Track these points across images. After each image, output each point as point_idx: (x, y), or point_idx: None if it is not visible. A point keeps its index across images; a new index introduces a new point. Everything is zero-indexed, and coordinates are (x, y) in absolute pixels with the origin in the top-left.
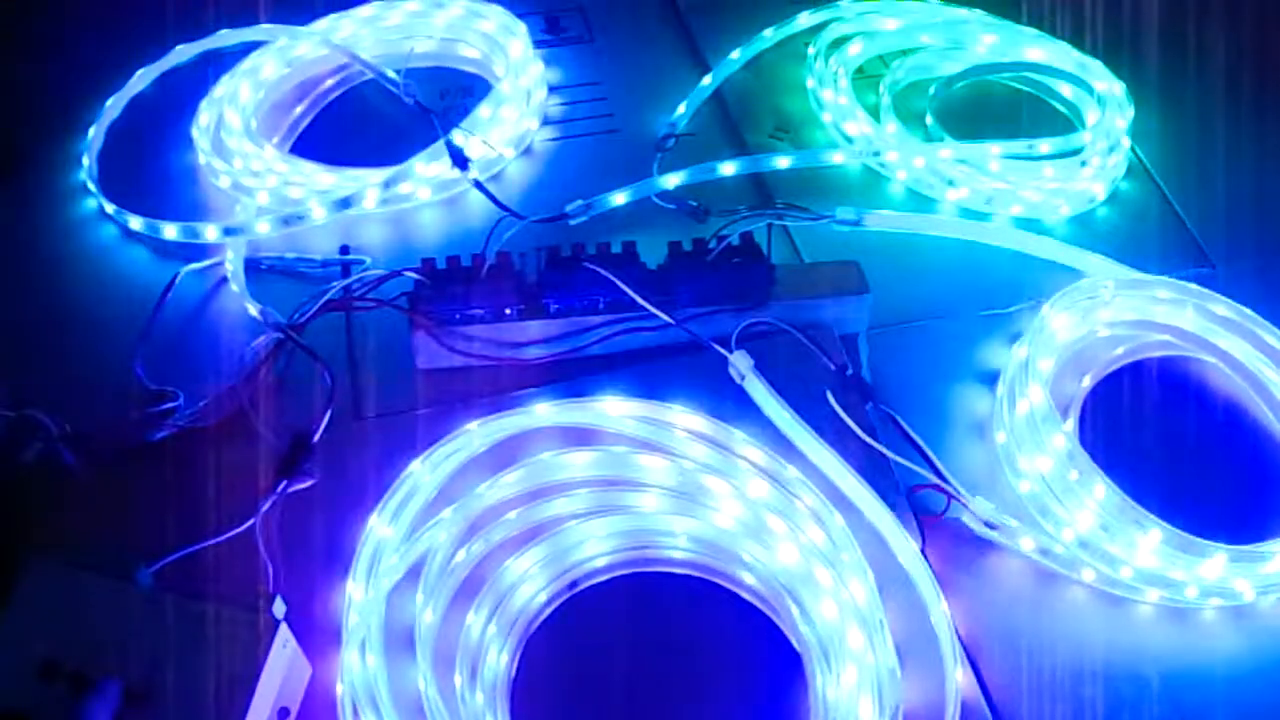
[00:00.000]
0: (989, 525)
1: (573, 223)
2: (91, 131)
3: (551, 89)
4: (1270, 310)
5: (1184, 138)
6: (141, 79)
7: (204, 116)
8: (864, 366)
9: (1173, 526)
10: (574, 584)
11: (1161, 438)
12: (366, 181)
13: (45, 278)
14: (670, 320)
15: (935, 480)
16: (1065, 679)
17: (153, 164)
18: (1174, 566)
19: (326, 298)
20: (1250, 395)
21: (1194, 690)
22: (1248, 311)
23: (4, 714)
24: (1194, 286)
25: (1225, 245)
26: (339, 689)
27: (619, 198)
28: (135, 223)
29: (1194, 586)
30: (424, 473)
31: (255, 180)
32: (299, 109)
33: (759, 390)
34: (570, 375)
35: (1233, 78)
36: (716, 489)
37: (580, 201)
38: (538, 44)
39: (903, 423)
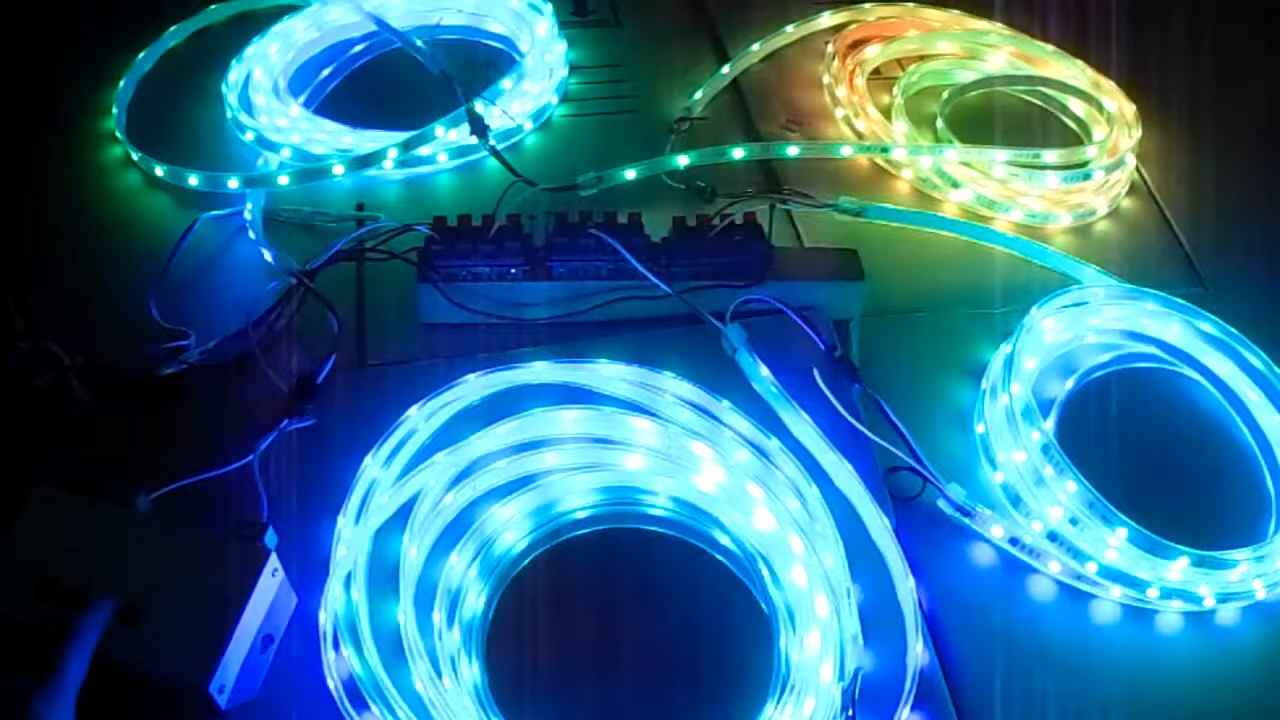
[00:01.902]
0: (961, 510)
1: (583, 194)
2: (122, 83)
3: (574, 68)
4: (1257, 334)
5: (1190, 164)
6: (174, 35)
7: (234, 74)
8: (854, 351)
9: (1140, 527)
10: (555, 534)
11: (1137, 445)
12: (387, 143)
13: (70, 219)
14: (669, 291)
15: (912, 464)
16: (1022, 665)
17: (180, 116)
18: (1139, 566)
19: (338, 246)
20: (1229, 413)
21: (1147, 689)
22: (1233, 331)
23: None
24: (1183, 302)
25: (1218, 269)
26: (322, 618)
27: (630, 173)
28: (159, 170)
29: (1156, 587)
30: (420, 419)
31: (279, 136)
32: (326, 71)
33: (749, 363)
34: (569, 337)
35: (1244, 110)
36: (700, 454)
37: (592, 174)
38: (564, 25)
39: (885, 406)
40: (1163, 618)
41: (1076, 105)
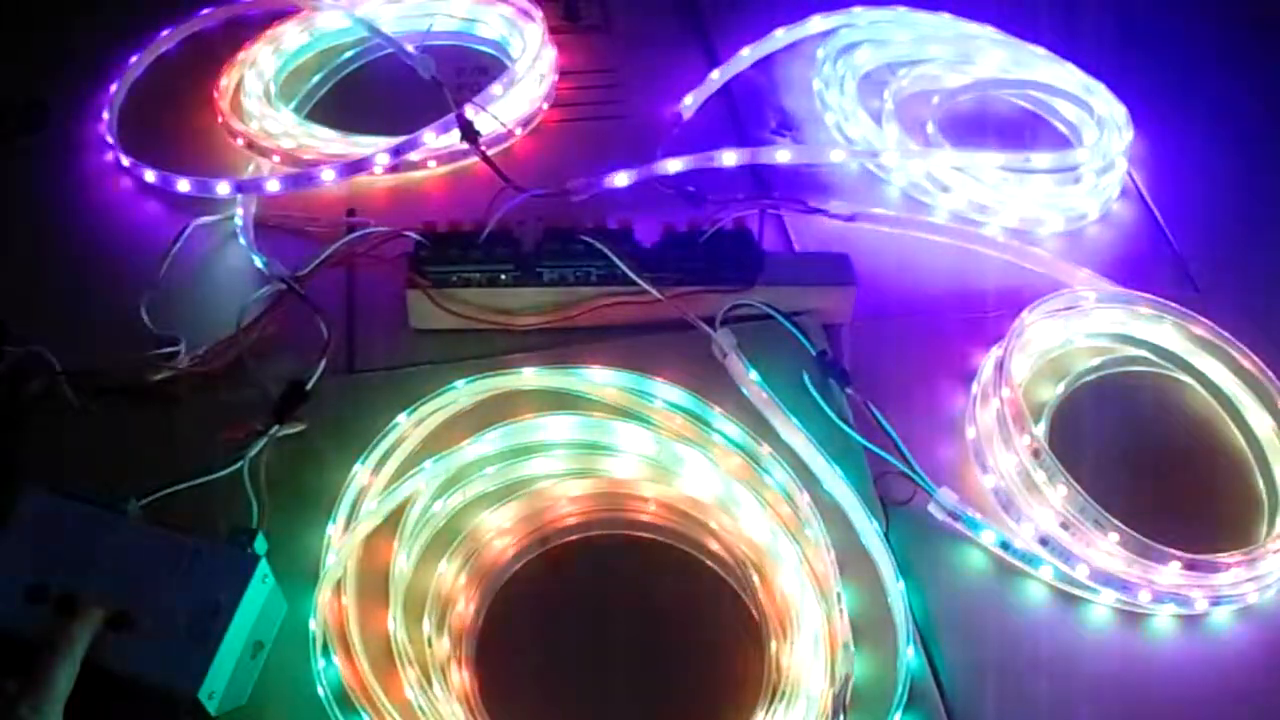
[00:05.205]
0: (952, 515)
1: (574, 199)
2: (114, 87)
3: (565, 73)
4: (1249, 337)
5: (1181, 167)
6: (167, 39)
7: (225, 78)
8: (845, 355)
9: (1132, 531)
10: (545, 541)
11: (1129, 449)
12: (377, 148)
13: (62, 225)
14: (659, 296)
15: (903, 468)
16: (1014, 670)
17: (171, 121)
18: (1130, 570)
19: (329, 253)
20: (1221, 415)
21: (1139, 694)
22: (1225, 334)
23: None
24: (1174, 305)
25: (1210, 271)
26: (312, 625)
27: (619, 178)
28: (150, 175)
29: (1148, 591)
30: (409, 426)
31: (270, 141)
32: (317, 77)
33: (739, 369)
34: (559, 343)
35: (1235, 112)
36: (691, 460)
37: (582, 179)
38: (555, 30)
39: (875, 411)
40: (1155, 622)
41: (1067, 108)
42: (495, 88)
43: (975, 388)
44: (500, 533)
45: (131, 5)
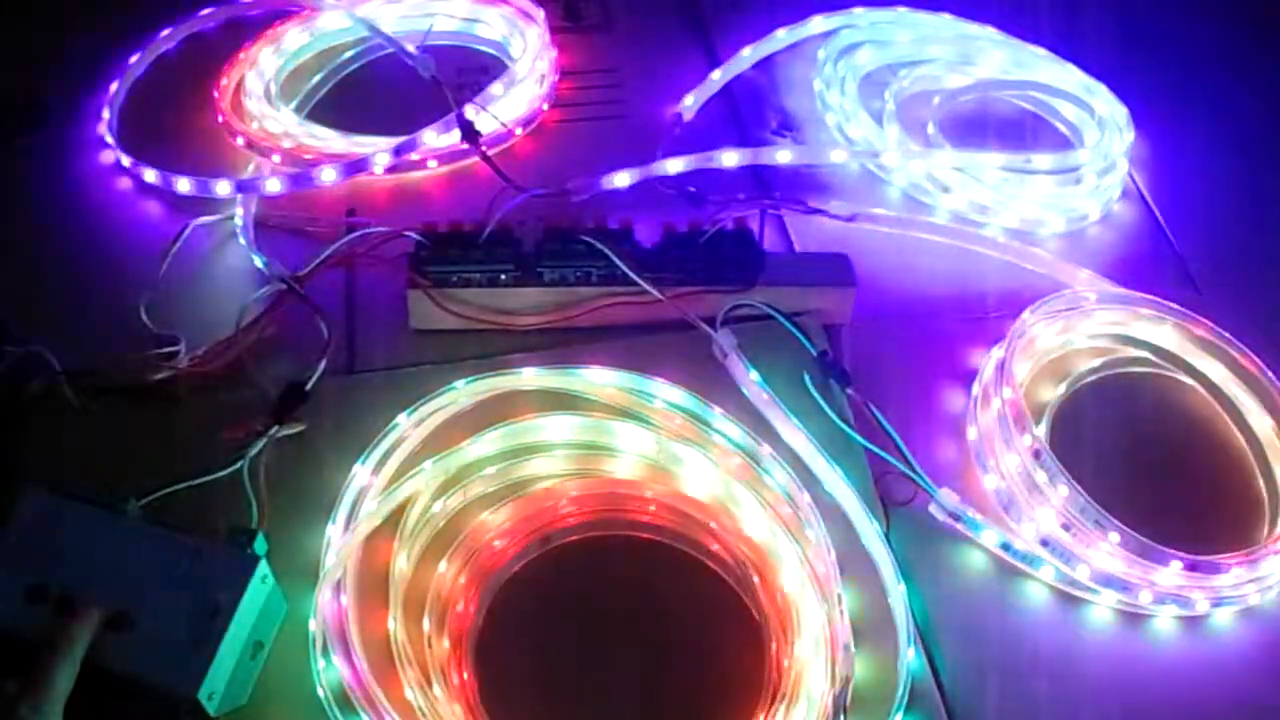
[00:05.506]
0: (953, 516)
1: (574, 199)
2: (113, 87)
3: (565, 73)
4: (1249, 337)
5: (1182, 167)
6: (167, 39)
7: (225, 78)
8: (845, 356)
9: (1133, 532)
10: (546, 541)
11: (1130, 449)
12: (377, 148)
13: (61, 225)
14: (660, 296)
15: (904, 469)
16: (1015, 671)
17: (172, 121)
18: (1131, 571)
19: (329, 253)
20: (1221, 415)
21: (1140, 695)
22: (1226, 335)
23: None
24: (1175, 306)
25: (1211, 272)
26: (312, 625)
27: (620, 178)
28: (150, 175)
29: (1149, 592)
30: (409, 426)
31: (271, 141)
32: (318, 77)
33: (739, 369)
34: (559, 343)
35: (1236, 112)
36: (691, 460)
37: (583, 179)
38: (556, 30)
39: (876, 412)
40: (1156, 623)
41: (1068, 109)
42: (496, 87)
43: (976, 388)
44: (500, 533)
45: (131, 5)
